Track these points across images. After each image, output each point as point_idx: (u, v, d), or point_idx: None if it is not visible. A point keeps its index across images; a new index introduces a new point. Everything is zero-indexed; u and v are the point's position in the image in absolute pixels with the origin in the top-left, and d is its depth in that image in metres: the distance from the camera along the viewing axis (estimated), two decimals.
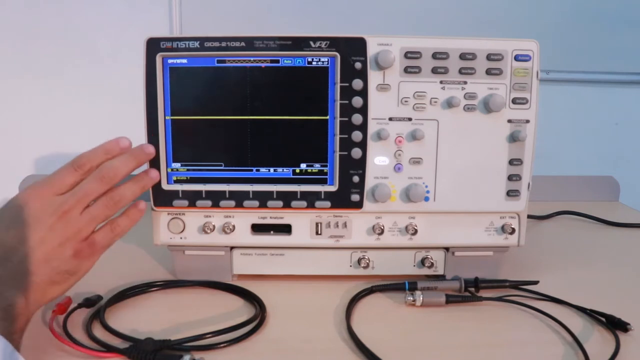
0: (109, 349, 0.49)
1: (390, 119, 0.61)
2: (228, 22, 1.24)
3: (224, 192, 0.62)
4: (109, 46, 1.23)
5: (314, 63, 0.60)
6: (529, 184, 0.62)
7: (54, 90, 1.25)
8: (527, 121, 0.61)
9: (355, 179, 0.61)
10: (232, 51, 0.59)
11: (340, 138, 0.61)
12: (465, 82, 0.60)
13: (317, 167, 0.62)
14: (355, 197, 0.62)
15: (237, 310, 0.59)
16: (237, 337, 0.52)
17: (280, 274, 0.66)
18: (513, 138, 0.61)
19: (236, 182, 0.62)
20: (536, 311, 0.58)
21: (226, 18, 1.24)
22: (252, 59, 0.60)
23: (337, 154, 0.61)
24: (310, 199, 0.62)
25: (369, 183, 0.62)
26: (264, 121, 0.61)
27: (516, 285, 0.63)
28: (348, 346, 0.52)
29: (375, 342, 0.50)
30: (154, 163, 0.61)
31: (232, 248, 0.65)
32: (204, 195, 0.62)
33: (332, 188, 0.62)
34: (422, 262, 0.65)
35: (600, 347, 0.51)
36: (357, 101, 0.60)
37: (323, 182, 0.62)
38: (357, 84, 0.59)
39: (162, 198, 0.62)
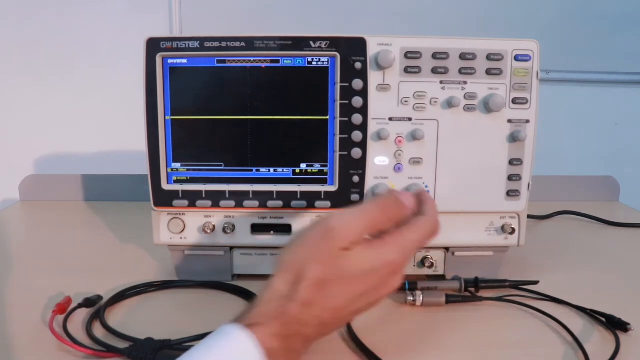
0: (109, 349, 0.49)
1: (390, 119, 0.61)
2: (228, 22, 1.24)
3: (224, 192, 0.62)
4: (109, 46, 1.23)
5: (314, 63, 0.60)
6: (529, 184, 0.62)
7: (54, 91, 1.25)
8: (527, 121, 0.61)
9: (355, 179, 0.61)
10: (232, 51, 0.59)
11: (340, 138, 0.61)
12: (465, 82, 0.60)
13: (317, 167, 0.62)
14: (355, 197, 0.62)
15: (237, 310, 0.59)
16: None
17: None
18: (513, 138, 0.61)
19: (236, 182, 0.62)
20: (536, 311, 0.58)
21: (226, 18, 1.24)
22: (252, 59, 0.60)
23: (337, 154, 0.61)
24: (310, 199, 0.62)
25: (369, 183, 0.62)
26: (264, 121, 0.61)
27: (516, 285, 0.63)
28: (348, 346, 0.52)
29: (375, 342, 0.50)
30: (154, 163, 0.61)
31: (232, 248, 0.65)
32: (204, 195, 0.62)
33: (332, 188, 0.62)
34: (422, 262, 0.65)
35: (600, 347, 0.51)
36: (357, 101, 0.60)
37: (323, 182, 0.62)
38: (357, 84, 0.59)
39: (162, 198, 0.62)
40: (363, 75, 0.59)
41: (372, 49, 0.59)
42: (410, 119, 0.61)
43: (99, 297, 0.59)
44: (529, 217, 0.76)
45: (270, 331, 0.39)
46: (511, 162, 0.61)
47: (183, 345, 0.49)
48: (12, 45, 1.22)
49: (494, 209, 0.63)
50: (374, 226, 0.43)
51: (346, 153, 0.61)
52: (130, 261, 0.74)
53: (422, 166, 0.61)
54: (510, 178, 0.62)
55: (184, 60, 0.60)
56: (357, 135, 0.60)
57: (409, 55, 0.59)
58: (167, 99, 0.61)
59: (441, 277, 0.66)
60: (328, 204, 0.62)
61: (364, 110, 0.60)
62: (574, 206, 1.00)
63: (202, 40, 0.59)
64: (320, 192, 0.62)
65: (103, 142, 1.28)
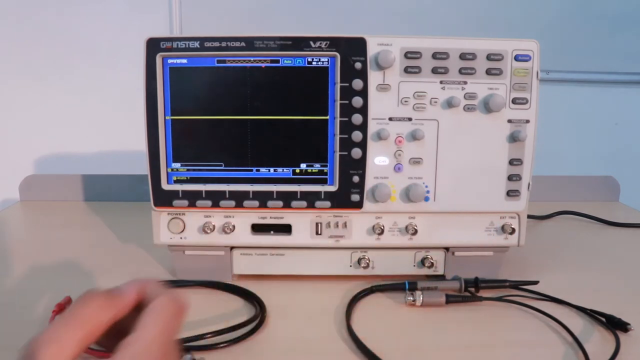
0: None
1: (390, 119, 0.61)
2: (228, 22, 1.24)
3: (224, 192, 0.62)
4: (109, 46, 1.23)
5: (314, 63, 0.60)
6: (529, 184, 0.62)
7: (54, 91, 1.25)
8: (527, 121, 0.61)
9: (355, 179, 0.61)
10: (232, 51, 0.59)
11: (340, 138, 0.61)
12: (465, 82, 0.60)
13: (317, 167, 0.62)
14: (355, 197, 0.62)
15: (237, 310, 0.59)
16: (237, 337, 0.52)
17: (280, 274, 0.66)
18: (513, 138, 0.61)
19: (236, 182, 0.62)
20: (536, 311, 0.58)
21: (226, 18, 1.24)
22: (252, 59, 0.60)
23: (337, 154, 0.61)
24: (310, 199, 0.62)
25: (369, 183, 0.62)
26: (264, 121, 0.61)
27: (516, 285, 0.63)
28: (348, 346, 0.52)
29: (375, 342, 0.50)
30: (154, 163, 0.61)
31: (232, 248, 0.65)
32: (204, 195, 0.62)
33: (332, 188, 0.62)
34: (422, 262, 0.65)
35: (600, 347, 0.51)
36: (357, 101, 0.60)
37: (323, 182, 0.62)
38: (357, 84, 0.59)
39: (162, 198, 0.62)
40: (363, 75, 0.59)
41: (372, 49, 0.59)
42: (410, 119, 0.61)
43: None
44: (529, 217, 0.76)
45: None
46: (511, 162, 0.61)
47: (183, 345, 0.49)
48: (12, 45, 1.22)
49: (494, 209, 0.63)
50: (91, 331, 0.33)
51: (346, 153, 0.61)
52: (130, 261, 0.74)
53: (422, 166, 0.61)
54: (510, 178, 0.62)
55: (184, 60, 0.60)
56: (357, 135, 0.60)
57: (409, 55, 0.59)
58: (167, 99, 0.61)
59: (441, 277, 0.66)
60: (328, 204, 0.62)
61: (364, 110, 0.60)
62: (574, 206, 1.00)
63: (202, 40, 0.59)
64: (320, 192, 0.62)
65: (103, 142, 1.27)
